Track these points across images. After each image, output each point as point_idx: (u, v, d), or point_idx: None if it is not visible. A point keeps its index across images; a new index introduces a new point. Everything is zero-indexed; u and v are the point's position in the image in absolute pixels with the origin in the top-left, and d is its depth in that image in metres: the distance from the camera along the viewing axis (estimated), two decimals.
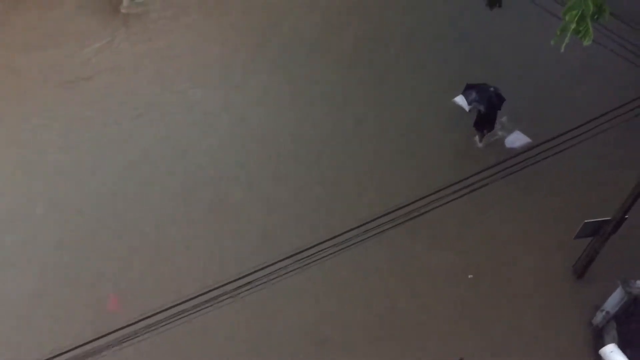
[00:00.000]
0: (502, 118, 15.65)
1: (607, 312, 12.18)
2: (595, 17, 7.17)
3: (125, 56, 16.96)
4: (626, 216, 11.83)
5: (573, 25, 7.07)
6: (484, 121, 15.19)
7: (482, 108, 14.82)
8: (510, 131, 15.84)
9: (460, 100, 14.92)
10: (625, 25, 15.00)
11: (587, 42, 7.18)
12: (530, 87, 16.83)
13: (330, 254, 9.09)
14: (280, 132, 15.68)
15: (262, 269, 8.84)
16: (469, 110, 14.92)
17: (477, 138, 15.54)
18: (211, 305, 8.80)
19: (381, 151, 15.33)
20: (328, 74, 16.94)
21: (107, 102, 15.93)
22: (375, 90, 16.66)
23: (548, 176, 14.31)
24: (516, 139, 15.68)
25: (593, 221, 12.01)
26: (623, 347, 10.56)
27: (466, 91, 14.95)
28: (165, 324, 8.63)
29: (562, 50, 7.24)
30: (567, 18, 7.18)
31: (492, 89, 14.89)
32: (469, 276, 13.22)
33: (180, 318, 8.70)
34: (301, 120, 15.94)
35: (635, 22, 15.83)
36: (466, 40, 17.87)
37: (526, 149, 11.91)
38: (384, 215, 9.38)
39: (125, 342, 8.77)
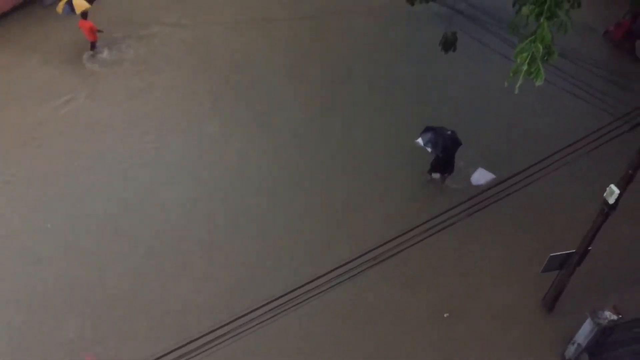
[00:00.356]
0: (460, 162, 16.04)
1: (579, 345, 12.30)
2: (545, 58, 7.50)
3: (89, 113, 16.96)
4: (589, 248, 12.11)
5: (525, 67, 7.38)
6: (442, 164, 15.49)
7: (437, 151, 15.11)
8: (474, 169, 16.26)
9: (422, 141, 15.23)
10: (574, 64, 15.76)
11: (539, 83, 7.49)
12: (489, 126, 17.36)
13: (304, 300, 9.05)
14: (251, 179, 15.72)
15: (233, 321, 8.74)
16: (431, 152, 15.24)
17: (439, 179, 15.84)
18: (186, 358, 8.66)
19: (351, 194, 15.50)
20: (298, 116, 17.25)
21: (69, 159, 15.77)
22: (345, 134, 16.93)
23: (513, 211, 14.61)
24: (481, 176, 16.03)
25: (558, 254, 12.26)
26: None
27: (423, 133, 15.23)
28: None
29: (517, 91, 7.53)
30: (518, 60, 7.50)
31: (448, 132, 15.24)
32: (445, 315, 13.27)
33: None
34: (270, 167, 16.05)
35: (582, 60, 16.65)
36: (426, 83, 18.45)
37: (491, 185, 12.18)
38: (355, 259, 9.41)
39: None
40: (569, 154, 10.72)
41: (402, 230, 9.81)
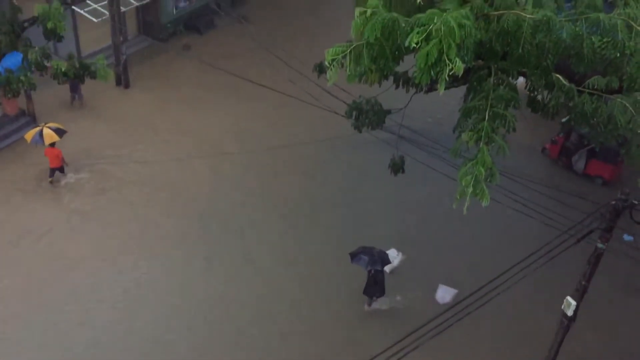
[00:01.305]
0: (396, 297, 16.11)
1: None
2: (488, 180, 7.85)
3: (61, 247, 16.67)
4: None
5: (470, 189, 7.69)
6: (374, 285, 15.45)
7: (369, 269, 15.16)
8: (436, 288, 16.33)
9: (361, 262, 15.28)
10: (516, 182, 16.46)
11: (485, 203, 7.78)
12: (441, 245, 17.68)
13: None
14: (218, 299, 15.63)
15: None
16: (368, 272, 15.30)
17: (365, 304, 15.80)
18: None
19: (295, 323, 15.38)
20: (252, 242, 17.33)
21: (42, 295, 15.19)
22: (296, 256, 16.98)
23: (477, 325, 14.54)
24: (445, 293, 16.10)
25: None
26: None
27: (357, 255, 15.34)
28: None
29: (465, 212, 7.78)
30: (463, 183, 7.82)
31: (377, 251, 15.45)
32: None
33: None
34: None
35: (524, 178, 17.41)
36: (377, 205, 18.90)
37: (457, 300, 12.18)
38: None
39: None
40: (525, 268, 10.94)
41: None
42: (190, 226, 17.92)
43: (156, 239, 17.42)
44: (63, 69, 13.35)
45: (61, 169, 18.95)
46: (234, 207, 18.61)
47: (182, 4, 27.45)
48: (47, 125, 18.37)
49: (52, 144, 18.34)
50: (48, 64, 13.74)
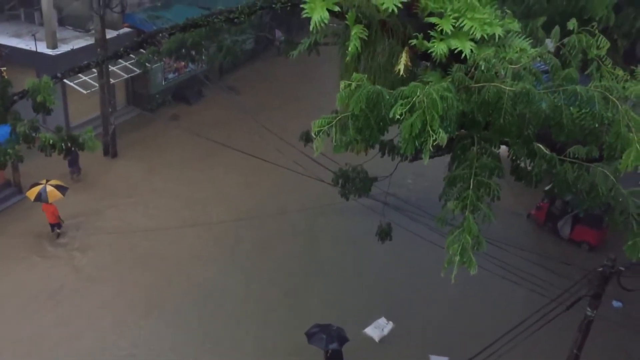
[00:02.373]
0: None
1: None
2: (475, 248, 7.85)
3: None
4: None
5: (457, 258, 7.68)
6: None
7: (326, 349, 14.76)
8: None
9: (318, 342, 14.84)
10: (503, 250, 16.43)
11: (473, 271, 7.75)
12: (432, 313, 17.44)
13: None
14: None
15: None
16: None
17: None
18: None
19: None
20: (238, 309, 16.97)
21: None
22: (285, 326, 16.64)
23: None
24: None
25: None
26: None
27: (314, 334, 14.94)
28: None
29: (453, 281, 7.74)
30: (450, 251, 7.81)
31: (334, 328, 15.12)
32: None
33: None
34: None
35: (511, 245, 17.41)
36: (366, 272, 18.75)
37: None
38: None
39: None
40: (516, 336, 10.81)
41: None
42: (179, 296, 17.59)
43: (140, 309, 17.04)
44: (51, 142, 13.44)
45: (58, 225, 19.18)
46: (224, 276, 18.34)
47: (171, 75, 28.00)
48: (49, 182, 18.73)
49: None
50: (36, 136, 13.80)
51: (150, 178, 22.59)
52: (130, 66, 23.80)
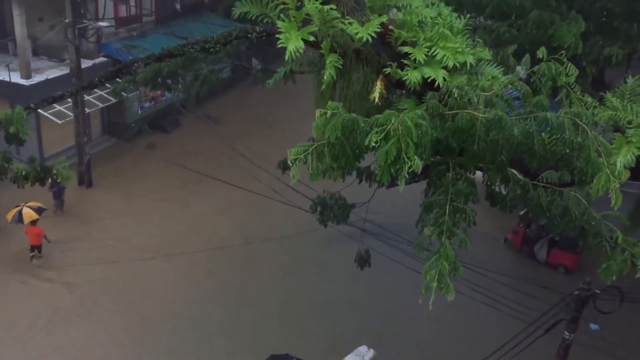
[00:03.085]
0: None
1: None
2: (452, 274, 7.88)
3: None
4: None
5: (435, 284, 7.69)
6: None
7: None
8: None
9: None
10: (481, 274, 16.52)
11: (450, 297, 7.76)
12: (410, 340, 17.38)
13: None
14: None
15: None
16: None
17: None
18: None
19: None
20: (213, 340, 16.70)
21: None
22: None
23: None
24: None
25: None
26: None
27: None
28: None
29: (431, 307, 7.74)
30: (428, 277, 7.83)
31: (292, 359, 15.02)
32: None
33: None
34: None
35: (488, 270, 17.52)
36: (339, 299, 18.66)
37: None
38: None
39: None
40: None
41: None
42: (153, 328, 17.30)
43: (116, 342, 16.72)
44: (24, 173, 13.27)
45: (39, 248, 19.00)
46: (199, 307, 18.12)
47: (147, 104, 27.95)
48: (27, 204, 18.80)
49: (34, 222, 18.72)
50: (9, 168, 13.62)
51: (125, 208, 22.36)
52: (106, 95, 23.72)
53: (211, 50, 9.44)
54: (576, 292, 11.39)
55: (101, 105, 24.20)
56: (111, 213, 22.04)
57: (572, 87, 7.97)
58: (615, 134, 7.20)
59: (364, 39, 7.66)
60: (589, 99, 7.89)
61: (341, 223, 16.00)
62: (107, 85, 20.67)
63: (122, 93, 21.70)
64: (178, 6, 30.50)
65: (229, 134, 26.31)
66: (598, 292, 11.29)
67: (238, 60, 25.81)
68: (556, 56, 7.90)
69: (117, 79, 19.08)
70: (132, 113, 27.01)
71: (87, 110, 23.24)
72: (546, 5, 13.51)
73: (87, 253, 19.91)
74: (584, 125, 6.94)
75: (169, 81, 19.15)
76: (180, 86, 20.04)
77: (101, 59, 24.80)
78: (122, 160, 25.35)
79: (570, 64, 7.91)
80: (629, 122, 7.25)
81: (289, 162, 7.41)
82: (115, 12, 26.35)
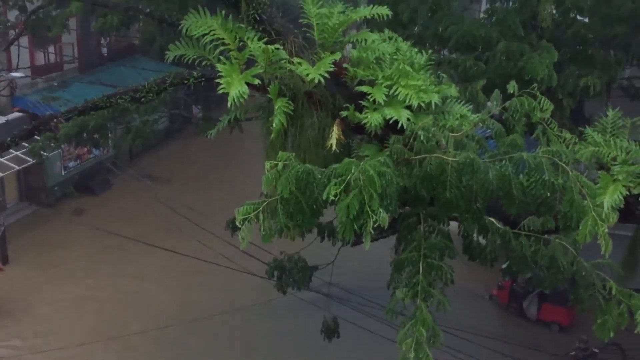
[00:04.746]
0: None
1: None
2: (432, 341, 7.83)
3: None
4: None
5: (412, 355, 7.61)
6: None
7: None
8: None
9: None
10: (465, 338, 16.54)
11: None
12: None
13: None
14: None
15: None
16: None
17: None
18: None
19: None
20: None
21: None
22: None
23: None
24: None
25: None
26: None
27: None
28: None
29: None
30: (404, 347, 7.75)
31: None
32: None
33: None
34: None
35: (474, 331, 17.57)
36: None
37: None
38: None
39: None
40: None
41: None
42: None
43: None
44: None
45: None
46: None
47: (71, 164, 27.61)
48: None
49: None
50: None
51: (49, 286, 21.73)
52: (23, 156, 23.34)
53: (143, 100, 9.41)
54: (572, 353, 11.46)
55: (17, 167, 23.78)
56: (32, 294, 21.35)
57: (549, 122, 8.18)
58: (599, 172, 7.39)
59: (316, 80, 7.76)
60: (568, 135, 8.10)
61: (303, 289, 15.86)
62: (24, 144, 20.37)
63: (42, 152, 21.38)
64: (105, 51, 30.59)
65: (168, 192, 26.10)
66: (597, 351, 11.40)
67: (176, 109, 25.84)
68: (529, 90, 8.12)
69: (35, 137, 18.82)
70: (54, 175, 26.61)
71: (1, 174, 22.79)
72: (514, 35, 14.00)
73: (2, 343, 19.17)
74: (563, 165, 7.10)
75: (96, 136, 18.98)
76: (109, 141, 19.88)
77: (16, 114, 24.55)
78: (44, 230, 24.80)
79: (544, 97, 8.14)
80: (614, 159, 7.45)
81: (237, 223, 7.34)
82: (31, 61, 26.23)
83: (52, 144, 20.70)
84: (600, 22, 15.19)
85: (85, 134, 18.63)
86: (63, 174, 27.05)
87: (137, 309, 20.84)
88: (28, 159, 23.14)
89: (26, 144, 21.03)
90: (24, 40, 24.25)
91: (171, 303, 21.13)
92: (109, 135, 19.66)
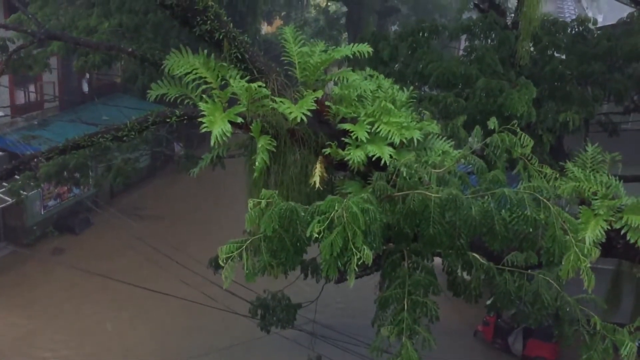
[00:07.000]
0: None
1: None
2: None
3: None
4: None
5: None
6: None
7: None
8: None
9: None
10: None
11: None
12: None
13: None
14: None
15: None
16: None
17: None
18: None
19: None
20: None
21: None
22: None
23: None
24: None
25: None
26: None
27: None
28: None
29: None
30: None
31: None
32: None
33: None
34: None
35: None
36: None
37: None
38: None
39: None
40: None
41: None
42: None
43: None
44: None
45: None
46: None
47: (51, 203, 27.39)
48: None
49: None
50: None
51: (27, 333, 21.32)
52: (2, 195, 23.13)
53: (125, 138, 9.41)
54: None
55: None
56: (10, 342, 20.93)
57: (529, 158, 8.29)
58: (580, 207, 7.48)
59: (299, 119, 7.84)
60: (549, 170, 8.21)
61: (287, 327, 15.73)
62: (4, 184, 20.22)
63: (21, 192, 21.20)
64: (86, 89, 30.62)
65: (150, 231, 25.91)
66: None
67: (158, 147, 25.84)
68: (509, 126, 8.25)
69: (15, 176, 18.69)
70: (33, 214, 26.36)
71: None
72: (493, 72, 14.25)
73: None
74: (545, 200, 7.18)
75: (77, 175, 18.89)
76: (90, 180, 19.78)
77: None
78: (22, 271, 24.46)
79: (524, 133, 8.26)
80: (594, 193, 7.57)
81: (220, 262, 7.31)
82: (11, 100, 26.17)
83: (32, 183, 20.56)
84: (577, 59, 15.50)
85: (65, 173, 18.56)
86: (42, 213, 26.82)
87: (117, 351, 20.51)
88: (7, 198, 22.94)
89: (5, 184, 20.87)
90: (4, 79, 24.25)
91: (152, 344, 20.82)
92: (90, 173, 19.59)
